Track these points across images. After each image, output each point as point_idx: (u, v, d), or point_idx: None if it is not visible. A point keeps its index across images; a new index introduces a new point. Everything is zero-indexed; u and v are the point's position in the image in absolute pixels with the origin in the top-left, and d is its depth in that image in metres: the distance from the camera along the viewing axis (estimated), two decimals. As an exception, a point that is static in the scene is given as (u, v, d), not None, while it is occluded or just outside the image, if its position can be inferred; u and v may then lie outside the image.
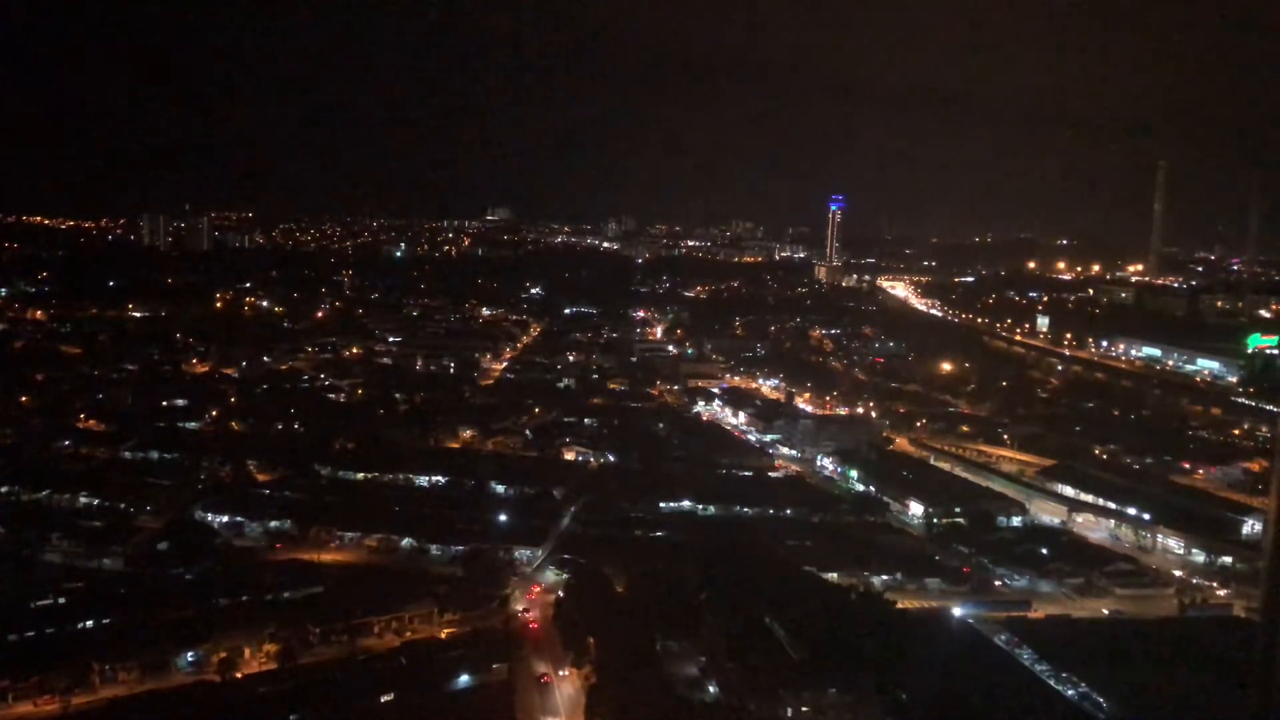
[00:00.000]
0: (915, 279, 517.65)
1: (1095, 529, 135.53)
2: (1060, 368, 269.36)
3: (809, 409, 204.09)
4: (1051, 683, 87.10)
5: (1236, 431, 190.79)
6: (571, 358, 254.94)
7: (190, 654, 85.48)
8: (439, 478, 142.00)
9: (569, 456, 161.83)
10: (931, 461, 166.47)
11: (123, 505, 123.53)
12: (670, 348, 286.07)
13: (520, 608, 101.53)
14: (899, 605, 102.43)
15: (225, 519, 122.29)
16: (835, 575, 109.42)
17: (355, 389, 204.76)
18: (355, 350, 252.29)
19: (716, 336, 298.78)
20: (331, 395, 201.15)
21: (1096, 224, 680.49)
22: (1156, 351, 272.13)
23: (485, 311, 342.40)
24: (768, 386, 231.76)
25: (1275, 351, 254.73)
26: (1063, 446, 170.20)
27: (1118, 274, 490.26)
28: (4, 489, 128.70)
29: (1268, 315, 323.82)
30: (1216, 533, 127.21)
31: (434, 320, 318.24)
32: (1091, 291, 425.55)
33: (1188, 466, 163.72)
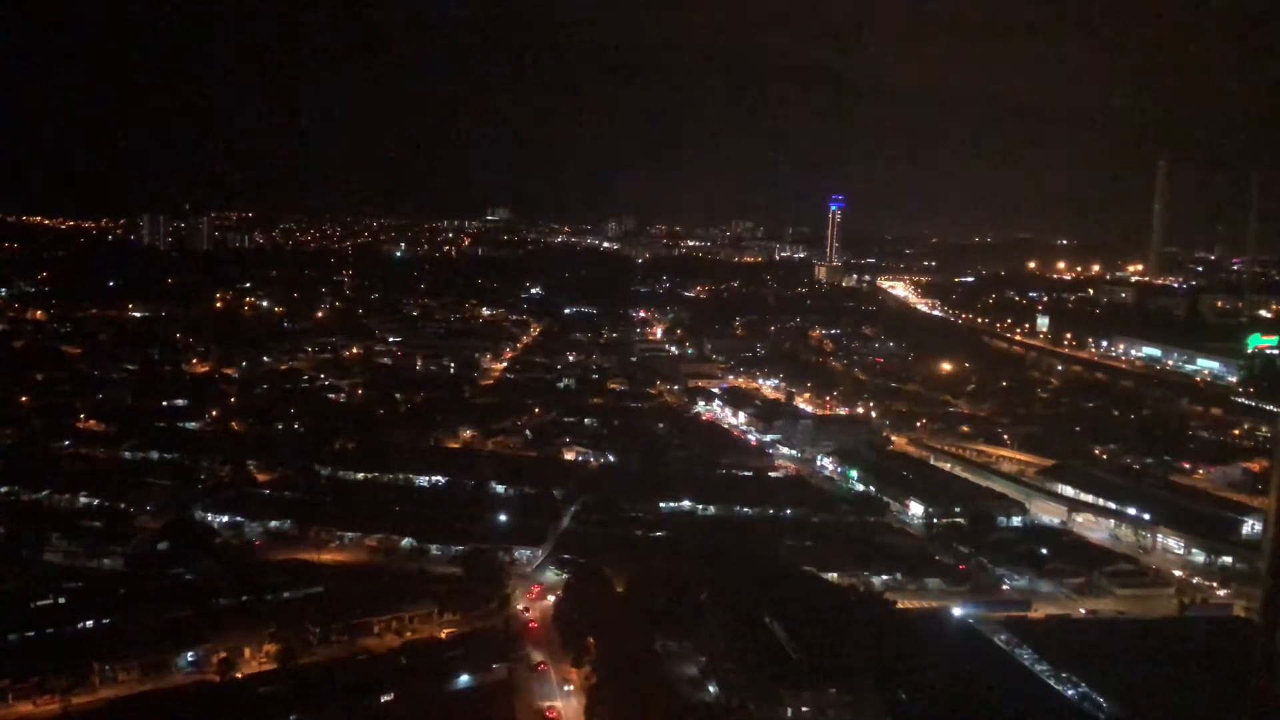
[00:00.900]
0: (915, 279, 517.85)
1: (1095, 529, 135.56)
2: (1060, 368, 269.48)
3: (809, 409, 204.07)
4: (1051, 683, 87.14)
5: (1236, 431, 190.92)
6: (571, 358, 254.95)
7: (190, 654, 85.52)
8: (439, 478, 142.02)
9: (569, 456, 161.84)
10: (931, 461, 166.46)
11: (123, 505, 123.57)
12: (670, 348, 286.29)
13: (520, 607, 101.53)
14: (899, 605, 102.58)
15: (225, 519, 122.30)
16: (835, 575, 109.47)
17: (355, 389, 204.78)
18: (355, 350, 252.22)
19: (716, 336, 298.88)
20: (331, 395, 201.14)
21: (1096, 224, 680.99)
22: (1156, 351, 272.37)
23: (485, 311, 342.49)
24: (768, 386, 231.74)
25: (1275, 351, 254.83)
26: (1063, 446, 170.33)
27: (1118, 274, 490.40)
28: (4, 489, 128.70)
29: (1268, 315, 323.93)
30: (1216, 533, 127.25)
31: (434, 320, 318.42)
32: (1091, 291, 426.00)
33: (1188, 466, 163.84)
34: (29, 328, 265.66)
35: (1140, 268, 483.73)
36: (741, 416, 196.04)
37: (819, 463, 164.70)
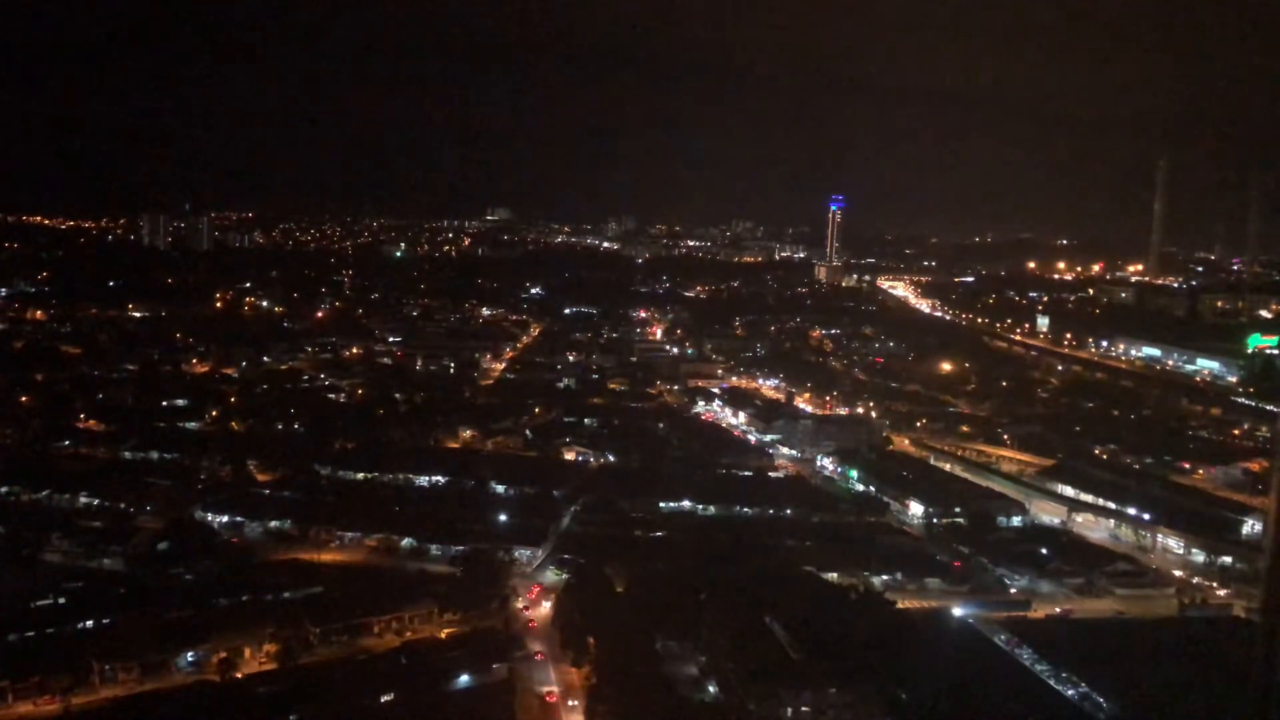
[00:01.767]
0: (915, 279, 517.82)
1: (1095, 529, 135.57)
2: (1060, 368, 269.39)
3: (809, 409, 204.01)
4: (1051, 683, 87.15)
5: (1236, 431, 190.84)
6: (571, 358, 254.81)
7: (190, 654, 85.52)
8: (439, 478, 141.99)
9: (569, 456, 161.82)
10: (931, 461, 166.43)
11: (123, 505, 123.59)
12: (670, 348, 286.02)
13: (520, 607, 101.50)
14: (899, 605, 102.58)
15: (225, 519, 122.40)
16: (835, 575, 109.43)
17: (355, 389, 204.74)
18: (355, 350, 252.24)
19: (716, 336, 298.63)
20: (331, 395, 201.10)
21: (1096, 224, 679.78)
22: (1156, 351, 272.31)
23: (485, 311, 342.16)
24: (768, 386, 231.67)
25: (1275, 351, 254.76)
26: (1063, 446, 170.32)
27: (1118, 274, 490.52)
28: (4, 489, 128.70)
29: (1268, 315, 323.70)
30: (1216, 533, 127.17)
31: (434, 320, 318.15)
32: (1091, 291, 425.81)
33: (1188, 466, 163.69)
34: (29, 328, 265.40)
35: (1140, 268, 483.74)
36: (741, 416, 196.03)
37: (819, 463, 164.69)
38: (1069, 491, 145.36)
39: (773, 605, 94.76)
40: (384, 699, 79.02)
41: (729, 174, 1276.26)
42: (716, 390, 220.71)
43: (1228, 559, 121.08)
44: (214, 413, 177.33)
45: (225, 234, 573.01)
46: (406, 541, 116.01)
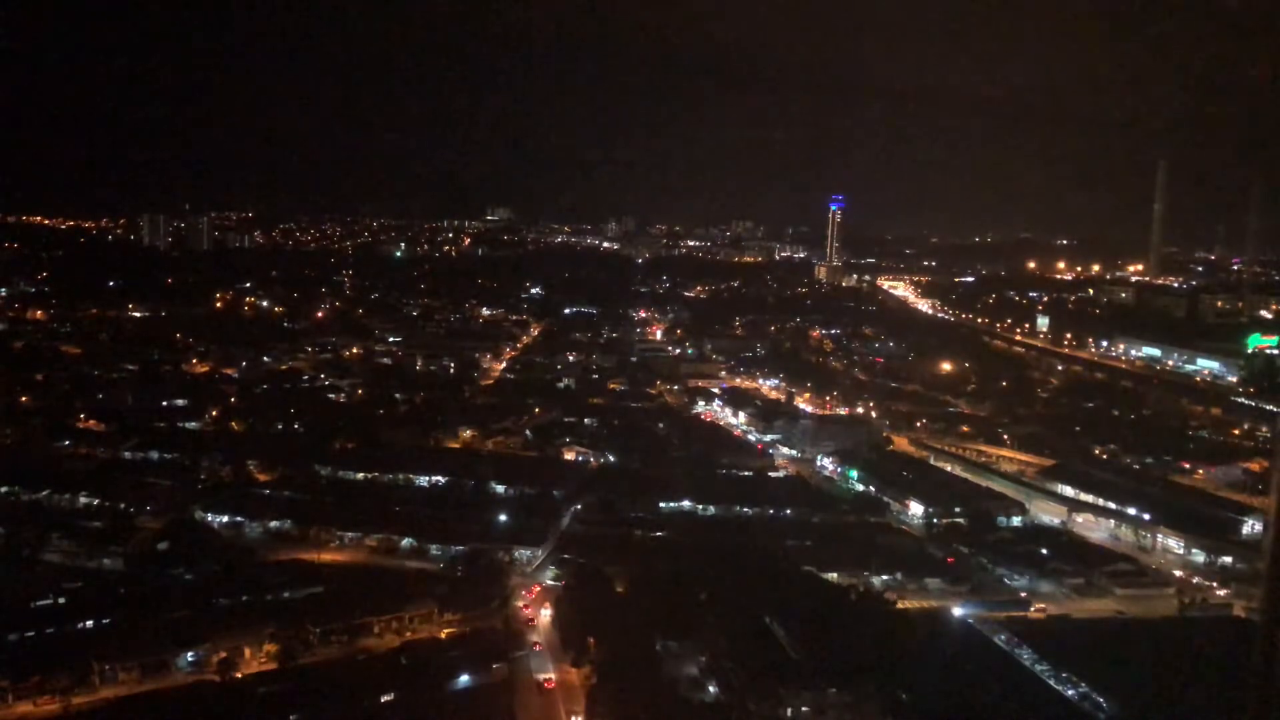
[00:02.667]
0: (915, 279, 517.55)
1: (1095, 529, 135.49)
2: (1060, 368, 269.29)
3: (809, 409, 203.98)
4: (1051, 683, 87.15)
5: (1236, 431, 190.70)
6: (571, 358, 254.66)
7: (190, 654, 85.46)
8: (439, 478, 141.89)
9: (569, 456, 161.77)
10: (931, 461, 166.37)
11: (123, 505, 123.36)
12: (670, 348, 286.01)
13: (520, 607, 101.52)
14: (899, 605, 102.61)
15: (225, 519, 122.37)
16: (835, 575, 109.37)
17: (355, 389, 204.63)
18: (355, 350, 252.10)
19: (716, 336, 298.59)
20: (331, 395, 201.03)
21: (1096, 224, 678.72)
22: (1156, 351, 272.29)
23: (485, 311, 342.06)
24: (768, 386, 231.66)
25: (1275, 351, 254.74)
26: (1063, 446, 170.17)
27: (1118, 274, 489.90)
28: (4, 489, 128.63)
29: (1268, 315, 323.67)
30: (1216, 533, 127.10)
31: (434, 320, 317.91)
32: (1091, 291, 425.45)
33: (1188, 466, 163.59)
34: (29, 328, 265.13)
35: (1140, 268, 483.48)
36: (741, 416, 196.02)
37: (819, 463, 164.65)
38: (1069, 491, 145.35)
39: (773, 605, 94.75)
40: (384, 699, 78.94)
41: (729, 174, 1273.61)
42: (716, 390, 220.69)
43: (1228, 559, 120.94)
44: (214, 413, 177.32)
45: (225, 234, 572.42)
46: (406, 541, 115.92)
